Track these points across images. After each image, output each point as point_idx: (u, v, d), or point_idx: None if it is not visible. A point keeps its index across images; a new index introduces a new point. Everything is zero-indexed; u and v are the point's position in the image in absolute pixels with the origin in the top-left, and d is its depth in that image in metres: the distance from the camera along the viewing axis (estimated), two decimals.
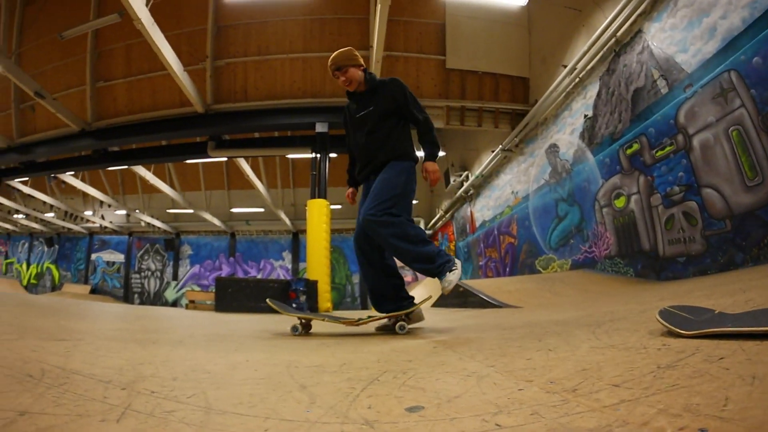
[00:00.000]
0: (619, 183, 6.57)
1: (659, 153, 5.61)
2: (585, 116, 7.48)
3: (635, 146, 6.13)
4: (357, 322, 2.36)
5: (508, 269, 11.08)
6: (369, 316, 2.78)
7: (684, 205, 5.22)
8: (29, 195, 17.89)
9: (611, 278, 6.43)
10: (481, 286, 6.07)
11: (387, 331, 2.69)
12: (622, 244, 6.52)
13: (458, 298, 6.42)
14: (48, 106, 11.00)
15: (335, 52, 2.85)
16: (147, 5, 7.57)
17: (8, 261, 24.73)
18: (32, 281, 23.54)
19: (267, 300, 2.44)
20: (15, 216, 22.21)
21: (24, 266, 24.27)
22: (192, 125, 11.24)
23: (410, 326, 2.61)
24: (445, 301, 7.56)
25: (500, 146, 10.73)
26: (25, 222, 22.84)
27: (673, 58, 5.39)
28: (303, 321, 2.50)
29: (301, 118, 10.88)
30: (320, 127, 10.58)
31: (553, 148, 8.69)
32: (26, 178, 15.91)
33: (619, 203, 6.56)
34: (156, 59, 8.88)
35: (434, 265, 2.50)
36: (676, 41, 5.34)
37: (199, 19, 10.86)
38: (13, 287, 8.42)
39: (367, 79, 2.85)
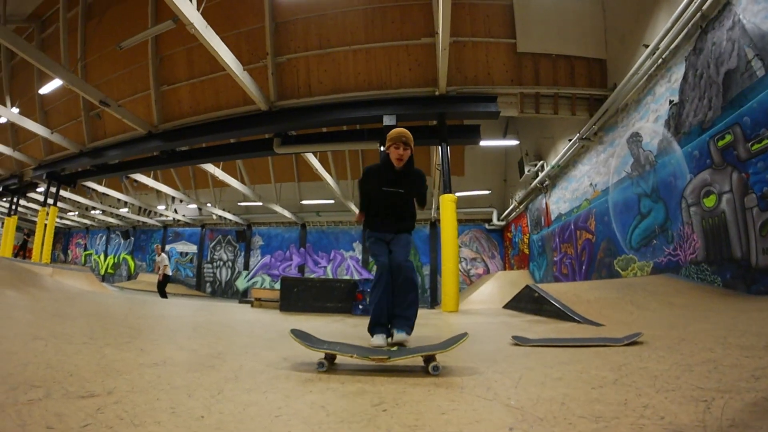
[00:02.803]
0: (709, 179, 5.72)
1: (755, 147, 4.77)
2: (670, 102, 6.60)
3: (728, 138, 5.28)
4: (388, 359, 2.17)
5: (584, 268, 10.28)
6: (398, 347, 2.81)
7: None
8: (104, 193, 19.86)
9: (696, 287, 5.66)
10: (558, 293, 5.61)
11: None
12: (711, 248, 5.70)
13: (533, 304, 6.04)
14: (114, 113, 11.97)
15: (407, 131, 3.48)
16: (199, 10, 7.81)
17: (87, 252, 28.01)
18: (109, 271, 26.42)
19: (290, 332, 2.34)
20: (92, 212, 24.86)
21: (102, 257, 27.28)
22: (257, 123, 11.50)
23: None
24: (518, 304, 7.16)
25: (577, 134, 9.90)
26: (102, 217, 25.47)
27: None
28: (328, 356, 2.32)
29: (367, 111, 10.75)
30: (388, 120, 10.40)
31: (636, 138, 7.81)
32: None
33: (709, 202, 5.73)
34: (216, 60, 9.10)
35: (415, 310, 3.32)
36: None
37: (256, 18, 11.14)
38: (89, 282, 9.30)
39: (409, 163, 3.47)
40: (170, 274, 13.08)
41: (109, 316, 4.24)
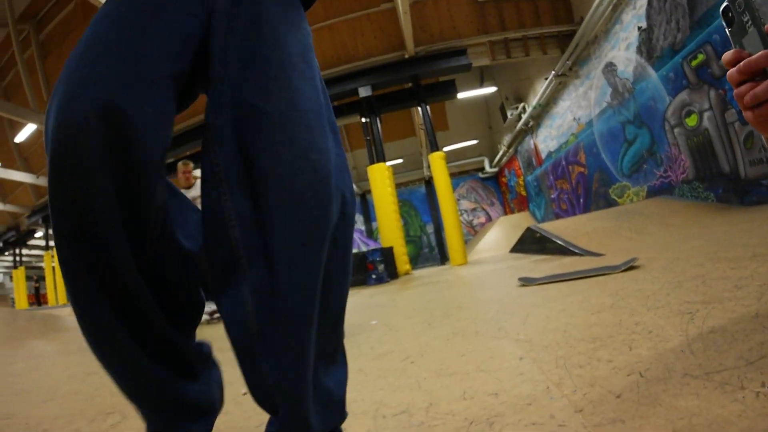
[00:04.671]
0: (688, 99, 5.86)
1: None
2: (639, 28, 6.64)
3: (700, 57, 5.38)
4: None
5: (581, 200, 10.54)
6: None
7: None
8: None
9: (692, 205, 5.90)
10: (559, 229, 5.84)
11: None
12: (700, 166, 5.91)
13: (536, 244, 6.30)
14: None
15: None
16: None
17: None
18: None
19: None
20: None
21: None
22: None
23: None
24: (523, 246, 7.43)
25: (552, 72, 9.92)
26: None
27: None
28: None
29: (341, 86, 10.65)
30: (363, 92, 10.38)
31: (610, 67, 7.87)
32: None
33: (691, 122, 5.89)
34: None
35: None
36: None
37: None
38: None
39: None
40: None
41: None
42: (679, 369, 0.98)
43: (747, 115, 0.56)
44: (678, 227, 4.96)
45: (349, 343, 2.02)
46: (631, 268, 2.77)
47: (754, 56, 0.53)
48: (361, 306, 4.09)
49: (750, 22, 0.53)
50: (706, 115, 5.52)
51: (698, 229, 4.41)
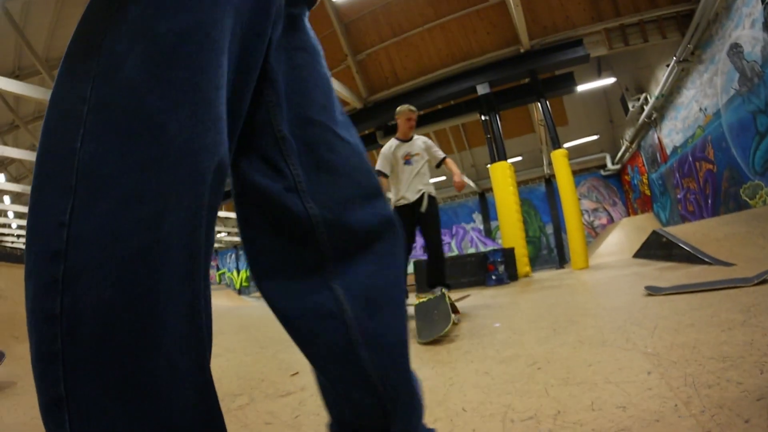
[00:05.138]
0: None
1: None
2: (763, 1, 5.70)
3: None
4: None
5: (710, 202, 9.23)
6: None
7: None
8: (225, 217, 22.12)
9: None
10: (686, 234, 5.44)
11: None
12: None
13: (662, 250, 5.95)
14: None
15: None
16: None
17: (220, 272, 31.05)
18: (244, 284, 28.91)
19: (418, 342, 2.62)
20: (218, 235, 27.85)
21: (234, 273, 29.92)
22: (356, 121, 11.99)
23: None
24: (647, 251, 6.94)
25: (674, 58, 8.87)
26: (228, 238, 28.27)
27: None
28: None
29: (458, 85, 10.85)
30: (481, 89, 10.44)
31: (736, 49, 6.83)
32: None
33: None
34: None
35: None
36: None
37: (323, 26, 11.40)
38: (230, 298, 10.72)
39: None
40: None
41: (263, 326, 4.50)
42: None
43: None
44: None
45: (473, 344, 2.39)
46: (765, 281, 2.63)
47: None
48: (483, 307, 4.10)
49: None
50: None
51: None
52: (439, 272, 4.10)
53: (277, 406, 1.43)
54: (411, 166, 4.15)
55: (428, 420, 1.11)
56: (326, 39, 11.82)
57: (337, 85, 10.50)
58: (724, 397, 1.05)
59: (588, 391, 1.26)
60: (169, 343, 0.44)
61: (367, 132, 12.89)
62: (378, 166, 4.19)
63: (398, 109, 4.24)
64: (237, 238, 29.22)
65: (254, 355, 2.61)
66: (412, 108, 4.19)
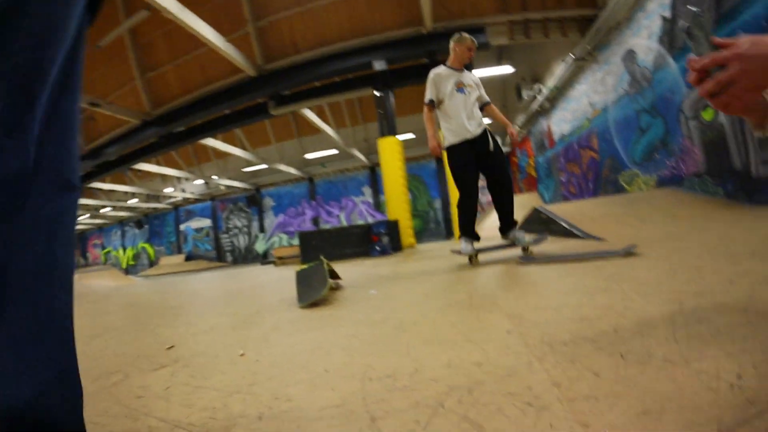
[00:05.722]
0: None
1: None
2: (663, 18, 6.56)
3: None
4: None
5: (591, 186, 10.59)
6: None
7: None
8: (111, 190, 19.94)
9: (700, 199, 5.98)
10: (565, 212, 5.93)
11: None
12: (711, 161, 5.95)
13: (542, 225, 6.40)
14: (105, 111, 12.00)
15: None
16: None
17: (105, 251, 28.36)
18: (131, 263, 26.86)
19: (301, 306, 2.65)
20: (102, 211, 24.98)
21: (120, 251, 27.58)
22: (249, 90, 11.47)
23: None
24: (528, 226, 7.54)
25: (571, 55, 9.81)
26: (113, 213, 25.54)
27: None
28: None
29: (356, 59, 10.69)
30: (378, 65, 10.41)
31: (630, 55, 7.79)
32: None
33: (707, 116, 5.90)
34: (197, 38, 8.97)
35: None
36: None
37: None
38: (115, 277, 9.68)
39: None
40: None
41: (147, 303, 4.53)
42: (660, 354, 1.01)
43: (711, 102, 0.81)
44: (683, 219, 5.02)
45: (347, 310, 2.37)
46: (630, 254, 2.79)
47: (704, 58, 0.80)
48: (363, 276, 4.19)
49: (701, 37, 0.83)
50: None
51: (703, 222, 4.48)
52: (512, 215, 4.00)
53: (150, 379, 1.46)
54: (464, 95, 3.78)
55: (289, 382, 1.23)
56: (229, 2, 10.83)
57: (232, 51, 9.82)
58: (578, 353, 1.11)
59: (448, 350, 1.31)
60: None
61: (260, 101, 12.35)
62: (428, 95, 3.82)
63: (462, 34, 3.90)
64: (122, 213, 26.12)
65: (133, 332, 2.59)
66: (474, 40, 3.93)
